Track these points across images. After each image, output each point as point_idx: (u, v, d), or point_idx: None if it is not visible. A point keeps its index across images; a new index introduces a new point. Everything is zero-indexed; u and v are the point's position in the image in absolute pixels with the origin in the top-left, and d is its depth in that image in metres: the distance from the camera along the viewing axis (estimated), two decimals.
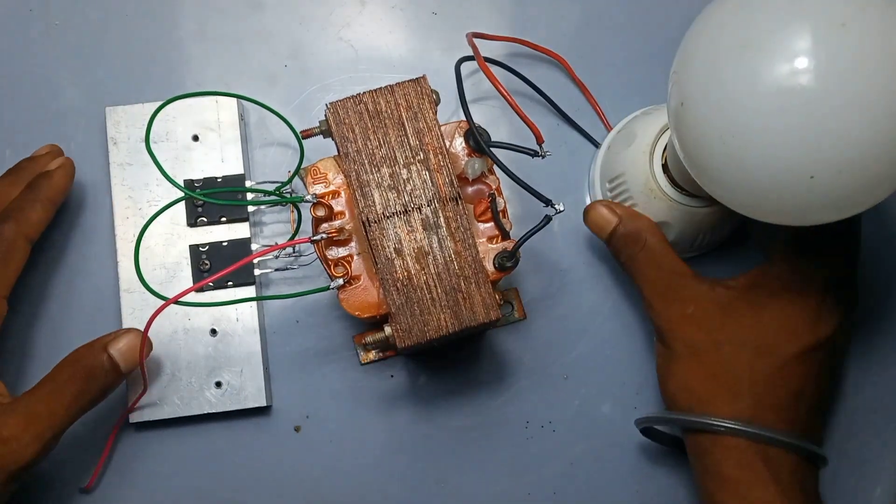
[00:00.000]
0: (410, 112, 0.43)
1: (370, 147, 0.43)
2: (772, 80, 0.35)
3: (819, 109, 0.34)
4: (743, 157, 0.36)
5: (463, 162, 0.44)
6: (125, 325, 0.49)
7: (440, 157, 0.43)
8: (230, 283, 0.50)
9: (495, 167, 0.43)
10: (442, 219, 0.42)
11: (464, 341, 0.52)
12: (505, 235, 0.44)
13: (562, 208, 0.42)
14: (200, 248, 0.50)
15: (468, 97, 0.44)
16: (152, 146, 0.47)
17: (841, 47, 0.34)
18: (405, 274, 0.42)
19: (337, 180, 0.44)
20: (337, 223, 0.44)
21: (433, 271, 0.42)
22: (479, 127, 0.43)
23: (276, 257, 0.50)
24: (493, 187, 0.44)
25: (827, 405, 0.49)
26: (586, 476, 0.51)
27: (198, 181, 0.51)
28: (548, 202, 0.42)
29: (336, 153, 0.44)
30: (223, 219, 0.51)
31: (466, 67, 0.45)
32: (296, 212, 0.47)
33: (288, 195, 0.47)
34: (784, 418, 0.43)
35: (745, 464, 0.42)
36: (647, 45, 0.55)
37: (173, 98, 0.47)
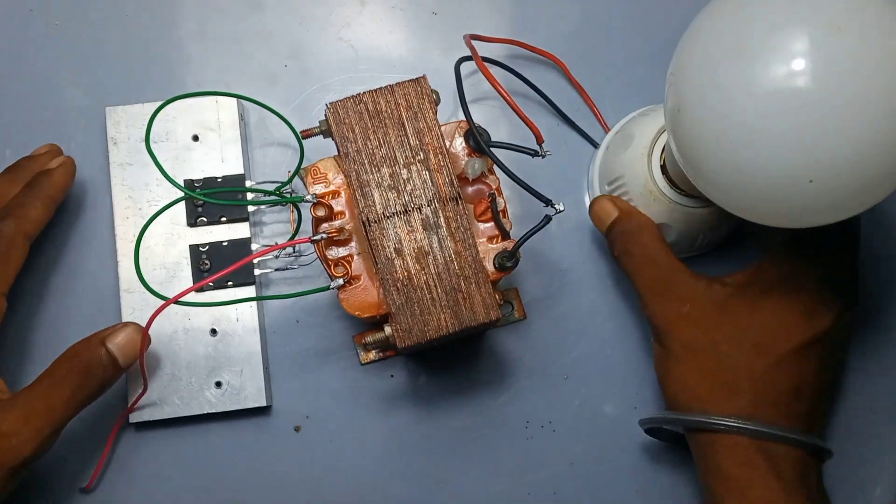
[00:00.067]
0: (410, 112, 0.43)
1: (370, 147, 0.43)
2: (768, 82, 0.35)
3: (816, 111, 0.34)
4: (739, 160, 0.36)
5: (463, 162, 0.44)
6: None
7: (440, 157, 0.43)
8: (230, 283, 0.50)
9: (495, 167, 0.43)
10: (442, 219, 0.42)
11: (464, 341, 0.52)
12: (505, 235, 0.44)
13: (562, 208, 0.42)
14: (200, 248, 0.50)
15: (468, 97, 0.44)
16: (152, 146, 0.47)
17: (837, 49, 0.34)
18: (405, 274, 0.42)
19: (337, 180, 0.44)
20: (337, 223, 0.44)
21: (433, 271, 0.42)
22: (479, 127, 0.43)
23: (276, 257, 0.50)
24: (493, 187, 0.44)
25: (829, 399, 0.49)
26: (586, 476, 0.51)
27: (198, 181, 0.51)
28: (548, 202, 0.42)
29: (336, 153, 0.44)
30: (223, 219, 0.51)
31: (466, 67, 0.45)
32: (296, 212, 0.47)
33: (288, 195, 0.47)
34: (784, 414, 0.43)
35: (746, 461, 0.42)
36: (645, 45, 0.55)
37: (173, 98, 0.47)
